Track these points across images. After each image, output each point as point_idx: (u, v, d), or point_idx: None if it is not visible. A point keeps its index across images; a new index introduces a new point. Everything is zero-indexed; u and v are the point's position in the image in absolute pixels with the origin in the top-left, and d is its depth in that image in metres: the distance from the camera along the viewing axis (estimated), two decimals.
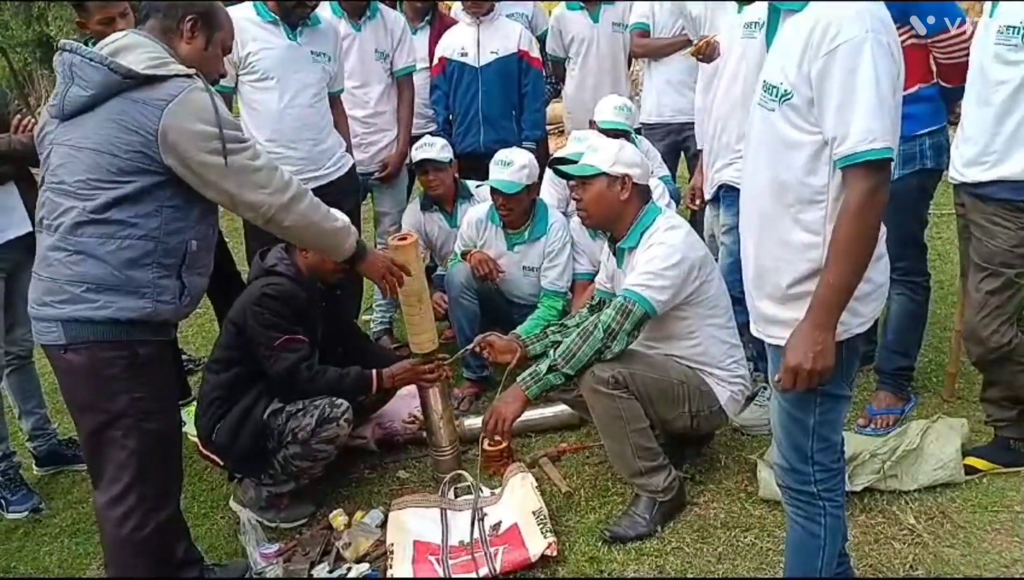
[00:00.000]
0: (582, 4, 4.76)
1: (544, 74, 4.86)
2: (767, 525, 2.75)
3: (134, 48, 2.12)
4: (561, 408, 3.39)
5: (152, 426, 2.24)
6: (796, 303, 1.87)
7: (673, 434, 2.99)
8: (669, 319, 2.82)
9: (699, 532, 2.75)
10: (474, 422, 3.39)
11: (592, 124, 4.25)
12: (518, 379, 2.82)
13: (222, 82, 3.44)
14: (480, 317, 3.76)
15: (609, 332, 2.69)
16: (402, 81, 4.21)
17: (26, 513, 3.11)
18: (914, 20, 2.90)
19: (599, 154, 2.85)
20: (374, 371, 3.01)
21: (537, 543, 2.63)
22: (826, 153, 1.78)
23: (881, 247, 1.92)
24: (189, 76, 2.14)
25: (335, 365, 2.96)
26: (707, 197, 3.49)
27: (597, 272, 3.68)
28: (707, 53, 3.59)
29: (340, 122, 3.79)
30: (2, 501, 3.10)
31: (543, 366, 2.77)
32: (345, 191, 3.70)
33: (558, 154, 3.80)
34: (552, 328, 3.14)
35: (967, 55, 2.85)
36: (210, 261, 2.38)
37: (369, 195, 4.40)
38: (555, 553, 2.60)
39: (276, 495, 2.93)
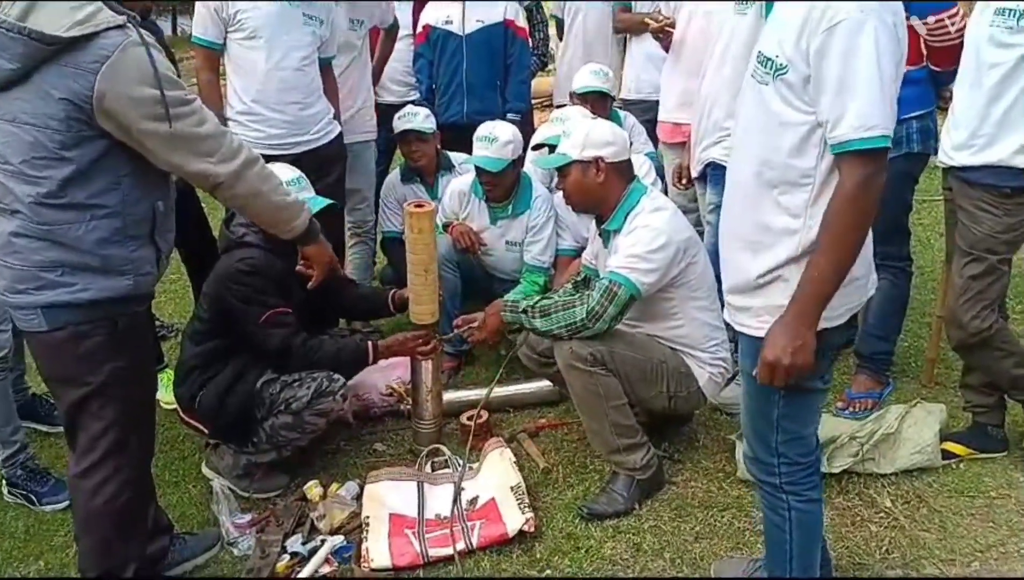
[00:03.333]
0: None
1: (530, 45, 4.80)
2: (744, 505, 2.75)
3: None
4: (540, 384, 3.37)
5: (132, 394, 2.18)
6: (765, 290, 1.82)
7: (651, 413, 2.98)
8: (653, 300, 2.79)
9: (677, 510, 2.75)
10: (453, 396, 3.37)
11: (571, 96, 4.21)
12: (510, 295, 2.82)
13: (211, 39, 3.38)
14: (461, 291, 3.72)
15: (592, 314, 2.66)
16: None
17: (65, 503, 2.81)
18: (914, 21, 2.87)
19: (568, 141, 2.81)
20: (369, 343, 2.97)
21: (515, 519, 2.61)
22: (817, 135, 1.71)
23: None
24: (120, 27, 1.91)
25: (319, 320, 2.90)
26: (694, 175, 3.46)
27: (581, 248, 3.65)
28: (663, 40, 3.61)
29: (329, 89, 3.67)
30: (32, 495, 2.90)
31: (523, 303, 2.80)
32: (331, 159, 3.62)
33: (537, 137, 3.77)
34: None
35: (958, 39, 2.83)
36: (173, 212, 2.26)
37: None
38: (533, 529, 2.58)
39: (254, 464, 2.88)
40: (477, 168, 3.63)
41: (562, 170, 2.84)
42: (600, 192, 2.79)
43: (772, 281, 1.81)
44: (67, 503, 2.79)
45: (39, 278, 2.01)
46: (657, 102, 4.29)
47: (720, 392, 3.01)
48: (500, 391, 3.29)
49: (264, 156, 3.21)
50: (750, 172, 1.84)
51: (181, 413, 2.93)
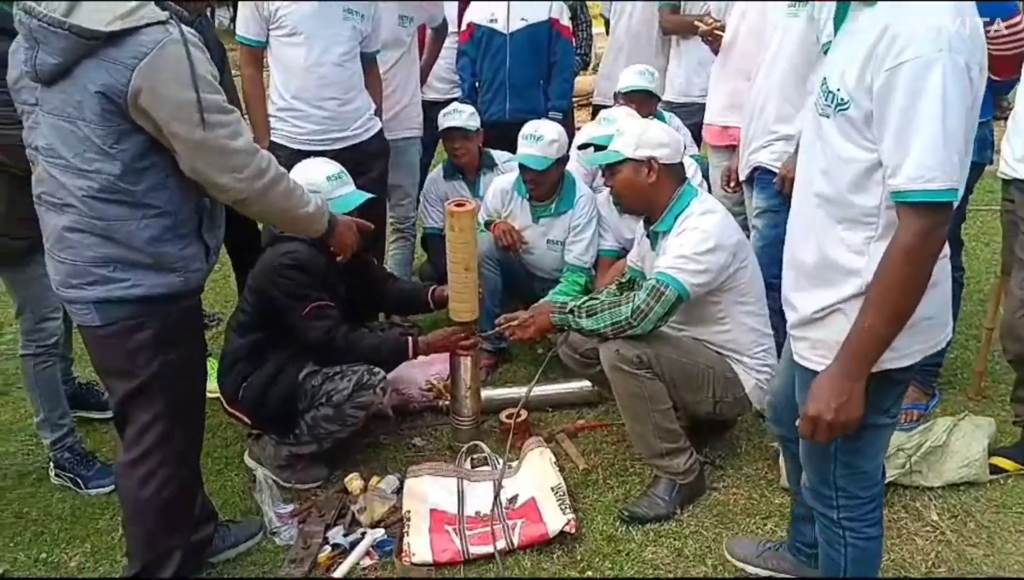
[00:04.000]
0: None
1: (573, 44, 4.78)
2: (787, 513, 2.70)
3: None
4: (580, 384, 3.36)
5: (180, 388, 2.20)
6: (825, 322, 1.75)
7: (695, 418, 2.95)
8: (700, 303, 2.77)
9: (718, 517, 2.73)
10: (491, 393, 3.36)
11: (616, 96, 4.18)
12: (551, 294, 2.96)
13: (253, 36, 3.39)
14: (501, 289, 3.72)
15: (638, 313, 2.64)
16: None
17: (110, 487, 2.82)
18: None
19: (623, 139, 2.78)
20: (410, 338, 2.98)
21: (556, 519, 2.60)
22: (880, 172, 1.60)
23: (938, 274, 1.68)
24: (163, 22, 1.90)
25: (358, 314, 2.93)
26: (741, 178, 3.43)
27: (622, 249, 3.64)
28: (712, 44, 3.57)
29: (373, 85, 3.66)
30: (79, 479, 2.94)
31: (570, 304, 2.80)
32: (371, 155, 3.60)
33: (582, 136, 3.74)
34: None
35: (1020, 47, 2.78)
36: (223, 208, 2.26)
37: None
38: (574, 530, 2.57)
39: (295, 455, 2.90)
40: (521, 166, 3.62)
41: (612, 169, 2.81)
42: (650, 193, 2.77)
43: (832, 313, 1.74)
44: (112, 487, 2.80)
45: (91, 273, 2.03)
46: (704, 105, 4.30)
47: (766, 398, 2.98)
48: (539, 390, 3.28)
49: (304, 152, 3.25)
50: (811, 204, 1.76)
51: (225, 403, 2.95)
